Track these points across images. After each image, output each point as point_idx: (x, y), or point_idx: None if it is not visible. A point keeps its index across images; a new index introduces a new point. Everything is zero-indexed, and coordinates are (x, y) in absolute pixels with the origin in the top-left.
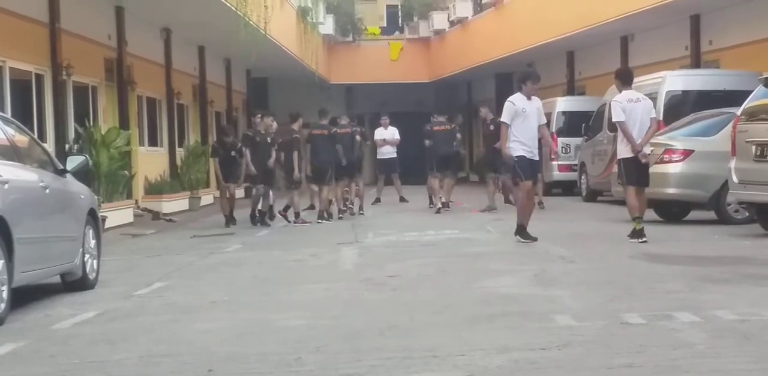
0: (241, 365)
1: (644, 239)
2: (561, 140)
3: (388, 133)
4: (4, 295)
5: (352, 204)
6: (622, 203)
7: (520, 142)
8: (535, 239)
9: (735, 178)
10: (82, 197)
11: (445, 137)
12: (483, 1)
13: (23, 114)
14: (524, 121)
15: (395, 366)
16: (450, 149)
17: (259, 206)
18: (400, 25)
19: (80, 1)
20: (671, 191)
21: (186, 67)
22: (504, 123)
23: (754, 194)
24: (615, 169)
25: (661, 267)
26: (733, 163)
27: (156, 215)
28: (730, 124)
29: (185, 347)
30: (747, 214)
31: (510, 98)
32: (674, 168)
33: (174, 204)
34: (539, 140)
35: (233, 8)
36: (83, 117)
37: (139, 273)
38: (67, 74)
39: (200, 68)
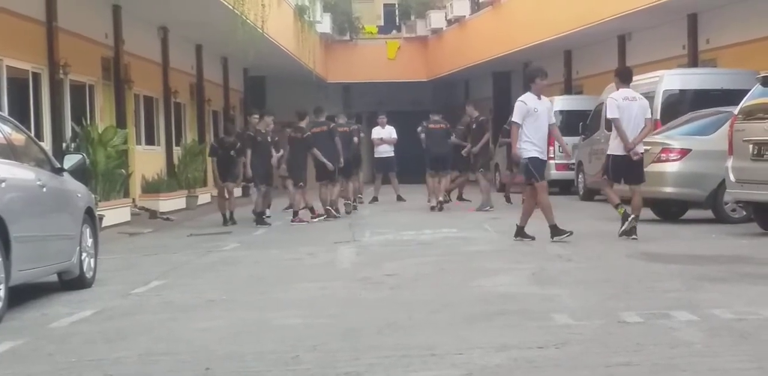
0: (238, 363)
1: (634, 237)
2: None
3: (385, 132)
4: (2, 293)
5: (356, 201)
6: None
7: (532, 143)
8: (570, 232)
9: (732, 177)
10: (79, 195)
11: (439, 136)
12: (480, 0)
13: (20, 112)
14: (535, 120)
15: (393, 365)
16: (445, 148)
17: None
18: (397, 23)
19: (77, 0)
20: (668, 190)
21: (183, 66)
22: (515, 123)
23: (751, 193)
24: None
25: (659, 266)
26: (730, 162)
27: (153, 214)
28: (728, 123)
29: (183, 345)
30: (744, 213)
31: (521, 98)
32: (671, 167)
33: (171, 203)
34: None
35: (230, 7)
36: (80, 116)
37: (136, 272)
38: (64, 73)
39: (197, 67)
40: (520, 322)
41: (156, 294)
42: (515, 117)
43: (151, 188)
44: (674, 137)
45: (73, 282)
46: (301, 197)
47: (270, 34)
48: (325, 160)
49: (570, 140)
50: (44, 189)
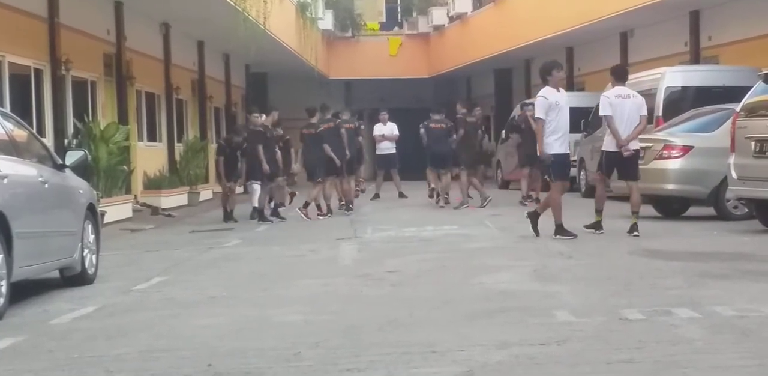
0: (240, 360)
1: (636, 233)
2: None
3: (387, 129)
4: (3, 290)
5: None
6: (621, 198)
7: (557, 137)
8: (575, 235)
9: (734, 174)
10: (81, 191)
11: (440, 135)
12: None
13: (22, 109)
14: (558, 113)
15: (394, 361)
16: (445, 147)
17: (255, 203)
18: (399, 20)
19: None
20: (670, 186)
21: (185, 63)
22: (539, 119)
23: (753, 190)
24: None
25: (660, 263)
26: (732, 159)
27: (155, 210)
28: (730, 120)
29: (184, 342)
30: (746, 210)
31: (541, 93)
32: (673, 164)
33: (173, 199)
34: None
35: (232, 3)
36: (82, 112)
37: (138, 268)
38: (66, 69)
39: (199, 63)
40: (522, 319)
41: (157, 291)
42: (538, 113)
43: (153, 184)
44: (676, 134)
45: (74, 278)
46: (319, 191)
47: (272, 30)
48: (333, 156)
49: (572, 137)
50: (46, 185)
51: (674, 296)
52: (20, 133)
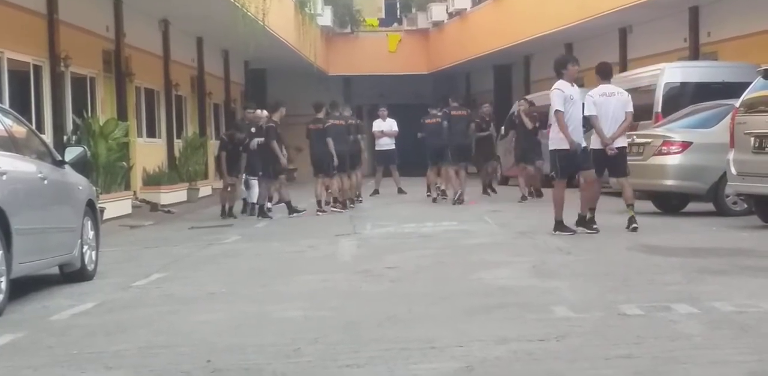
0: (239, 356)
1: (635, 225)
2: None
3: (386, 125)
4: (3, 286)
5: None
6: (619, 194)
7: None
8: (574, 232)
9: (733, 170)
10: (81, 188)
11: (436, 130)
12: None
13: (21, 105)
14: (572, 107)
15: (393, 357)
16: (441, 141)
17: (253, 199)
18: (398, 16)
19: None
20: (669, 182)
21: (184, 59)
22: (558, 111)
23: (752, 186)
24: None
25: (659, 259)
26: (731, 155)
27: (154, 207)
28: (729, 116)
29: (183, 338)
30: (745, 206)
31: (556, 85)
32: (672, 160)
33: (172, 195)
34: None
35: (231, 0)
36: (81, 108)
37: (137, 264)
38: (65, 65)
39: (198, 60)
40: (520, 314)
41: (157, 287)
42: (557, 105)
43: (152, 180)
44: (675, 130)
45: (74, 275)
46: (325, 186)
47: (271, 26)
48: (334, 153)
49: None
50: (45, 181)
51: (673, 291)
52: (19, 130)
